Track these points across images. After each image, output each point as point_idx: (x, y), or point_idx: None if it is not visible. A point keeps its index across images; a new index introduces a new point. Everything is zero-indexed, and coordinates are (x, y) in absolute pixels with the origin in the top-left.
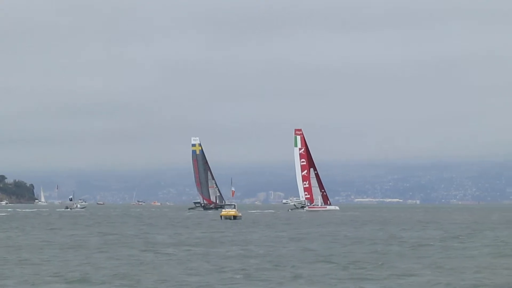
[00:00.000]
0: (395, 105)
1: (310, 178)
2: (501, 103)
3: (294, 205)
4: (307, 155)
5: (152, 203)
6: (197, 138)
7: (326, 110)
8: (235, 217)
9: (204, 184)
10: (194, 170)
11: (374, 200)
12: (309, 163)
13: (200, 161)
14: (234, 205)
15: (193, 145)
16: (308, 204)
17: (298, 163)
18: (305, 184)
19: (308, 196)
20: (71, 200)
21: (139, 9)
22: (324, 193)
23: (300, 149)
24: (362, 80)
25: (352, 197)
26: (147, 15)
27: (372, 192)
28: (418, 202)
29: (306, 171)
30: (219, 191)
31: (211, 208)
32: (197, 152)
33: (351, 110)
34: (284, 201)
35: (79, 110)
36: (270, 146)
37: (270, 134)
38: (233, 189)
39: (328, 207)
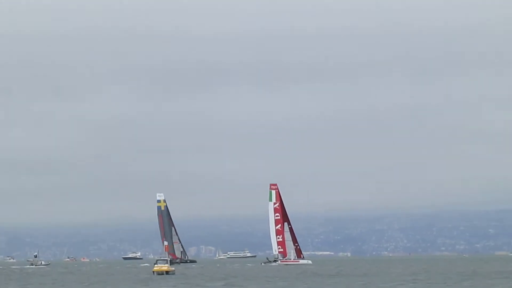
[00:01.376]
0: (322, 158)
1: (284, 232)
2: (431, 155)
3: (267, 258)
4: (281, 209)
5: (82, 259)
6: (162, 194)
7: (261, 163)
8: (167, 272)
9: (169, 240)
10: (159, 225)
11: (305, 253)
12: (283, 217)
13: (165, 217)
14: (167, 259)
15: (158, 201)
16: (281, 258)
17: (272, 217)
18: (278, 238)
19: (282, 250)
20: (35, 257)
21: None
22: (298, 247)
23: (275, 203)
24: (291, 133)
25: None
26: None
27: (303, 245)
28: (349, 254)
29: (280, 225)
30: (182, 247)
31: (177, 263)
32: (162, 208)
33: (279, 163)
34: (222, 255)
35: (10, 165)
36: (197, 201)
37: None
38: (166, 243)
39: (301, 261)
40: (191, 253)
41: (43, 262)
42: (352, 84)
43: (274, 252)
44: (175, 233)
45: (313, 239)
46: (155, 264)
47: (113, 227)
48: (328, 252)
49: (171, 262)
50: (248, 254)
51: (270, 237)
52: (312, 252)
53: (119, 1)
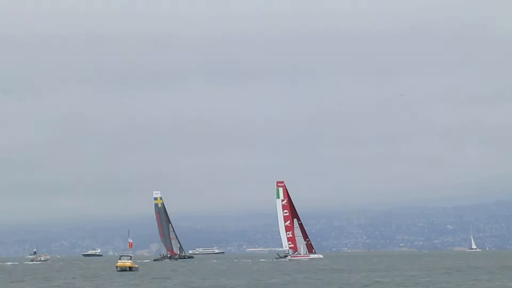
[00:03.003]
0: (279, 154)
1: (294, 228)
2: (388, 152)
3: (278, 254)
4: (289, 206)
5: (43, 256)
6: (158, 191)
7: (217, 160)
8: (131, 268)
9: (166, 236)
10: (157, 222)
11: (265, 249)
12: (292, 213)
13: (163, 214)
14: (131, 256)
15: (155, 198)
16: (291, 253)
17: (281, 214)
18: (288, 234)
19: (292, 245)
20: (35, 253)
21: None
22: (309, 242)
23: (282, 200)
24: (249, 132)
25: (244, 246)
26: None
27: (263, 241)
28: None
29: (289, 221)
30: (179, 243)
31: (176, 259)
32: (159, 206)
33: (244, 159)
34: (190, 251)
35: None
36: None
37: (143, 187)
38: (130, 240)
39: (312, 256)
40: (153, 249)
41: (42, 258)
42: (306, 83)
43: (284, 248)
44: (172, 230)
45: (273, 236)
46: (119, 260)
47: (75, 225)
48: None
49: (170, 258)
50: (217, 251)
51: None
52: (273, 248)
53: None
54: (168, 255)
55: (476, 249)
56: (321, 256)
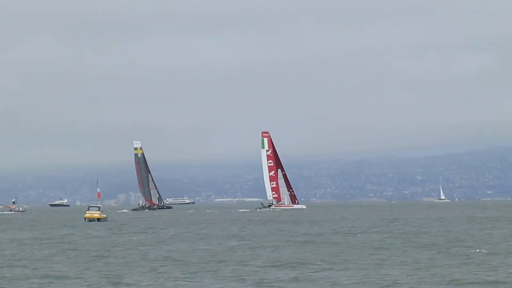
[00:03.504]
0: (248, 106)
1: (278, 179)
2: (357, 102)
3: (261, 203)
4: (274, 156)
5: (10, 205)
6: (139, 142)
7: (179, 112)
8: (99, 219)
9: (145, 186)
10: (136, 172)
11: (234, 199)
12: (276, 164)
13: (142, 164)
14: (99, 207)
15: (135, 148)
16: (275, 203)
17: (265, 164)
18: (272, 184)
19: (276, 195)
20: (14, 203)
21: None
22: (292, 192)
23: (267, 150)
24: (219, 82)
25: (213, 197)
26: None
27: (232, 191)
28: None
29: (273, 171)
30: (158, 193)
31: (154, 209)
32: (139, 156)
33: (210, 111)
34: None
35: None
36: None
37: (112, 137)
38: (98, 190)
39: (295, 206)
40: (120, 199)
41: (20, 208)
42: (274, 33)
43: (268, 198)
44: (151, 180)
45: (242, 186)
46: (87, 210)
47: (43, 174)
48: (256, 199)
49: (149, 208)
50: (187, 201)
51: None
52: (241, 199)
53: None
54: (147, 205)
55: (444, 199)
56: (304, 206)
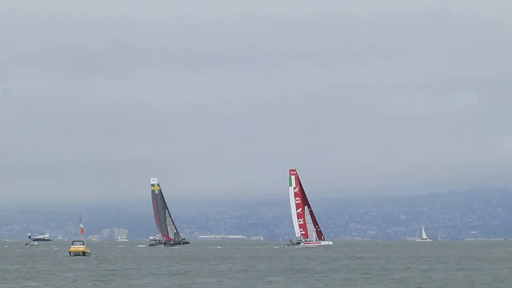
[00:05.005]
0: (237, 142)
1: (305, 215)
2: (343, 140)
3: (290, 241)
4: (301, 193)
5: None
6: (156, 178)
7: (166, 146)
8: (84, 253)
9: (163, 222)
10: (153, 209)
11: (217, 236)
12: (303, 201)
13: (159, 200)
14: (83, 241)
15: (152, 185)
16: (304, 240)
17: (293, 201)
18: (300, 221)
19: (303, 232)
20: (29, 237)
21: None
22: (318, 229)
23: (294, 188)
24: (205, 118)
25: (196, 233)
26: None
27: (215, 228)
28: (262, 238)
29: (301, 209)
30: (176, 228)
31: (171, 245)
32: (156, 192)
33: (193, 146)
34: (151, 237)
35: None
36: (112, 183)
37: (98, 173)
38: (81, 226)
39: (322, 243)
40: (104, 235)
41: (35, 243)
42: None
43: (297, 235)
44: (168, 216)
45: (225, 223)
46: (71, 245)
47: (27, 208)
48: (240, 236)
49: (165, 244)
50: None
51: (291, 220)
52: (225, 236)
53: None
54: (163, 241)
55: (426, 239)
56: (330, 243)
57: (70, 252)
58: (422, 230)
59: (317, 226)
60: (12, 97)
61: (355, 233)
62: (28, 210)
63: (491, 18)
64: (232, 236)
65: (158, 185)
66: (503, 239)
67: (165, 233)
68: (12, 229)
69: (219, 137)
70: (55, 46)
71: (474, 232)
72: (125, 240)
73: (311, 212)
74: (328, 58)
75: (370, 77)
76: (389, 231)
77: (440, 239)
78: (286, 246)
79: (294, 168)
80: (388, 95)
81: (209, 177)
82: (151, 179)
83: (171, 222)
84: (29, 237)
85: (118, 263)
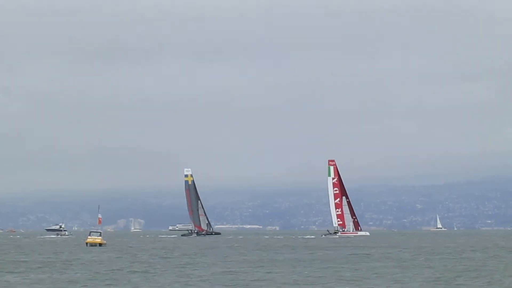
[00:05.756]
0: (254, 132)
1: (343, 206)
2: (359, 130)
3: (327, 230)
4: (339, 184)
5: (11, 230)
6: (189, 169)
7: (183, 137)
8: (100, 244)
9: (195, 212)
10: (186, 199)
11: (233, 226)
12: (341, 191)
13: (192, 191)
14: (100, 232)
15: (186, 175)
16: (341, 230)
17: (331, 191)
18: (337, 211)
19: (341, 222)
20: (60, 227)
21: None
22: (355, 219)
23: (333, 178)
24: (219, 109)
25: (212, 223)
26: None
27: (231, 218)
28: (277, 228)
29: (338, 199)
30: (207, 219)
31: (203, 235)
32: (189, 182)
33: (209, 137)
34: (170, 227)
35: None
36: (122, 172)
37: (114, 163)
38: (100, 216)
39: (359, 233)
40: (120, 225)
41: (66, 233)
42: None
43: (334, 225)
44: (201, 206)
45: (241, 213)
46: (88, 236)
47: (42, 199)
48: (256, 226)
49: (197, 233)
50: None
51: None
52: (241, 226)
53: None
54: (196, 231)
55: (441, 228)
56: (367, 233)
57: (86, 243)
58: (437, 219)
59: (354, 217)
60: (26, 90)
61: (371, 223)
62: (44, 201)
63: (503, 10)
64: (248, 226)
65: (192, 176)
66: None
67: (197, 223)
68: (28, 219)
69: (234, 128)
70: (72, 37)
71: (489, 221)
72: (139, 230)
73: (348, 203)
74: (336, 48)
75: (385, 68)
76: (405, 220)
77: (455, 228)
78: (323, 236)
79: (333, 159)
80: (404, 86)
81: (225, 167)
82: (185, 169)
83: (203, 213)
84: (60, 227)
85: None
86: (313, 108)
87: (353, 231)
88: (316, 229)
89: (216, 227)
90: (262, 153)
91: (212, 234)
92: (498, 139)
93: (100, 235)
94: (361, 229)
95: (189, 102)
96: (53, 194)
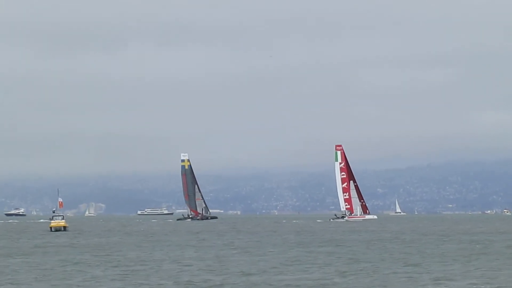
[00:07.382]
0: (215, 116)
1: (350, 190)
2: (320, 112)
3: (335, 215)
4: (347, 168)
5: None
6: (186, 154)
7: (142, 121)
8: (65, 228)
9: (191, 197)
10: (183, 183)
11: None
12: (349, 176)
13: (189, 175)
14: (62, 216)
15: (182, 160)
16: (348, 214)
17: (338, 176)
18: (345, 196)
19: (348, 206)
20: (54, 212)
21: None
22: (364, 203)
23: (340, 163)
24: (183, 92)
25: (174, 208)
26: None
27: None
28: (239, 212)
29: (346, 183)
30: (205, 203)
31: (198, 219)
32: (186, 167)
33: (169, 122)
34: (139, 212)
35: None
36: (85, 157)
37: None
38: (60, 200)
39: (367, 216)
40: (81, 209)
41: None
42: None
43: (342, 209)
44: (198, 191)
45: (203, 197)
46: (51, 219)
47: (3, 183)
48: (218, 210)
49: (192, 218)
50: (165, 212)
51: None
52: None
53: None
54: (191, 215)
55: (400, 213)
56: (375, 217)
57: (51, 227)
58: (396, 204)
59: (362, 201)
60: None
61: (333, 207)
62: (5, 185)
63: None
64: (210, 210)
65: (189, 160)
66: (479, 212)
67: (193, 207)
68: None
69: (196, 111)
70: (44, 20)
71: (451, 205)
72: (93, 214)
73: (356, 187)
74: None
75: (346, 52)
76: (366, 204)
77: (416, 213)
78: (331, 220)
79: (340, 144)
80: (364, 69)
81: (186, 151)
82: (182, 154)
83: (201, 197)
84: (53, 212)
85: None
86: (272, 93)
87: (360, 214)
88: (276, 213)
89: (178, 211)
90: (225, 137)
91: (208, 218)
92: (459, 123)
93: (63, 219)
94: (369, 212)
95: (161, 86)
96: (14, 178)
